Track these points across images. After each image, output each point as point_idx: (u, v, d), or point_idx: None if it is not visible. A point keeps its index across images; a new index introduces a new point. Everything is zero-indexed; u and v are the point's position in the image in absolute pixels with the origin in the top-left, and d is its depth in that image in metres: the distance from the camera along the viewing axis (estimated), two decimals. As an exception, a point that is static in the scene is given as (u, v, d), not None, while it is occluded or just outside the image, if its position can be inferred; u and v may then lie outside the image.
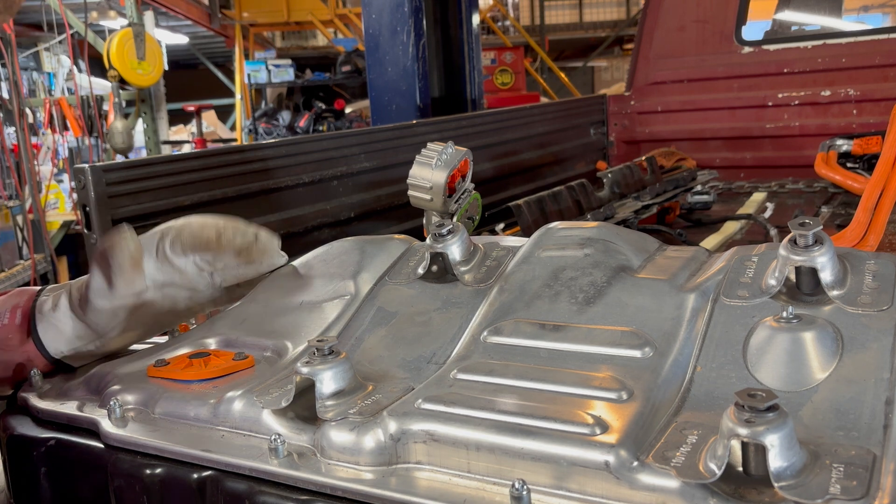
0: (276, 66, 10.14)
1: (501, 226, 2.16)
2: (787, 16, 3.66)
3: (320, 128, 10.20)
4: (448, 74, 3.58)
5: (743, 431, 0.62)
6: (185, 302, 1.14)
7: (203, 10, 10.51)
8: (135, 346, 1.18)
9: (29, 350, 1.07)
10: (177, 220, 1.14)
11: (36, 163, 6.57)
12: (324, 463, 0.79)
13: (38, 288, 1.14)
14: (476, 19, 3.60)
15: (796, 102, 3.21)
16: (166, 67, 8.04)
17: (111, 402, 0.93)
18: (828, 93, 3.13)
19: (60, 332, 1.07)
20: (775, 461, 0.62)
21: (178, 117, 11.38)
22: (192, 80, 13.86)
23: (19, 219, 6.26)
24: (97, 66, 7.91)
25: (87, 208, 1.50)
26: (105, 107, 7.55)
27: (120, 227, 1.09)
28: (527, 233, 1.68)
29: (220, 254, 1.12)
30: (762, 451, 0.63)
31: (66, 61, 7.99)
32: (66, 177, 7.15)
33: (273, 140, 2.07)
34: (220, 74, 13.42)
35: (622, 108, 3.58)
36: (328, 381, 0.83)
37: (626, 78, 3.63)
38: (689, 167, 2.93)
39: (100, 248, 1.08)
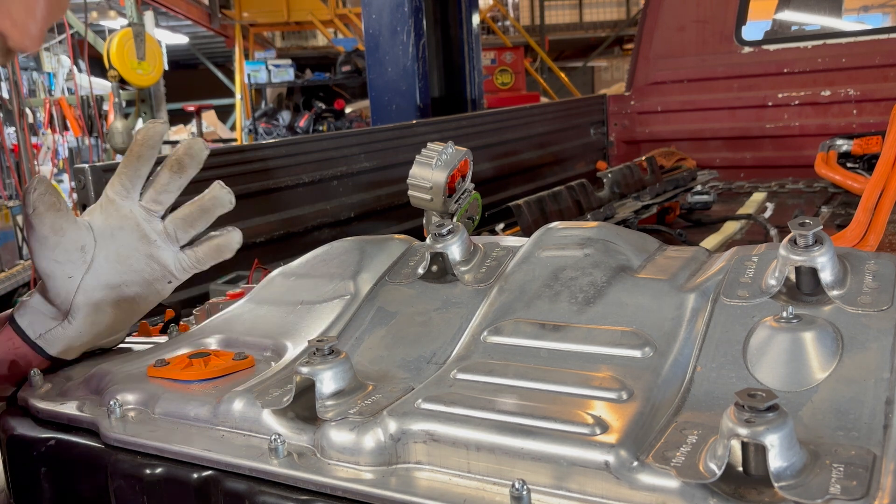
0: (276, 66, 10.15)
1: (501, 226, 2.16)
2: (787, 16, 3.66)
3: (320, 128, 10.20)
4: (448, 74, 3.58)
5: (743, 431, 0.62)
6: (143, 259, 1.10)
7: (203, 10, 10.52)
8: (135, 347, 1.18)
9: (13, 339, 1.06)
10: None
11: (36, 163, 6.57)
12: (324, 463, 0.79)
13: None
14: (476, 19, 3.61)
15: (796, 102, 3.21)
16: (166, 67, 8.05)
17: (111, 402, 0.93)
18: (828, 93, 3.14)
19: (35, 313, 1.06)
20: (775, 461, 0.62)
21: (178, 117, 11.39)
22: (192, 80, 13.87)
23: (19, 219, 6.27)
24: (97, 66, 7.91)
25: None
26: (105, 107, 7.55)
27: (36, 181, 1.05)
28: (527, 233, 1.68)
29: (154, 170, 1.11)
30: (762, 451, 0.63)
31: (66, 61, 8.00)
32: (66, 177, 7.16)
33: (273, 140, 2.07)
34: (220, 74, 13.43)
35: (622, 108, 3.58)
36: (328, 381, 0.83)
37: (626, 78, 3.64)
38: (689, 167, 2.93)
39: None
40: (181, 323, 1.34)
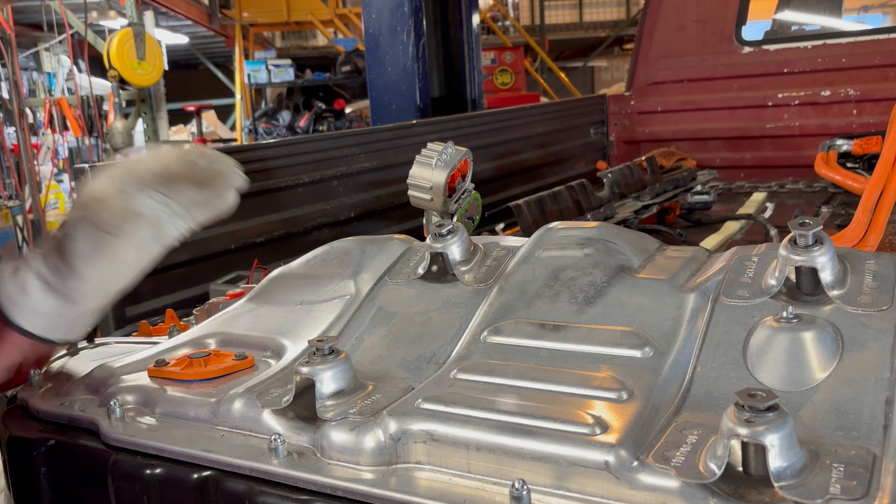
0: (276, 66, 10.14)
1: (501, 226, 2.16)
2: (787, 16, 3.66)
3: (320, 128, 10.20)
4: (448, 74, 3.58)
5: (743, 431, 0.62)
6: (151, 241, 1.10)
7: (203, 10, 10.50)
8: (134, 346, 1.18)
9: (17, 341, 1.05)
10: (131, 158, 1.15)
11: (36, 163, 6.57)
12: (324, 463, 0.79)
13: None
14: (476, 19, 3.61)
15: (796, 102, 3.21)
16: (166, 67, 8.04)
17: (111, 402, 0.93)
18: (828, 93, 3.14)
19: (42, 314, 1.04)
20: (775, 461, 0.62)
21: (178, 117, 11.38)
22: (192, 80, 13.86)
23: (19, 219, 6.26)
24: (97, 66, 7.90)
25: (87, 208, 1.50)
26: (105, 107, 7.54)
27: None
28: (527, 233, 1.68)
29: (176, 183, 1.10)
30: (762, 451, 0.63)
31: (66, 61, 7.99)
32: (66, 177, 7.16)
33: (273, 140, 2.07)
34: (220, 74, 13.42)
35: (622, 108, 3.58)
36: (328, 381, 0.83)
37: (626, 78, 3.64)
38: (689, 167, 2.93)
39: (80, 210, 1.07)
40: (181, 322, 1.34)
